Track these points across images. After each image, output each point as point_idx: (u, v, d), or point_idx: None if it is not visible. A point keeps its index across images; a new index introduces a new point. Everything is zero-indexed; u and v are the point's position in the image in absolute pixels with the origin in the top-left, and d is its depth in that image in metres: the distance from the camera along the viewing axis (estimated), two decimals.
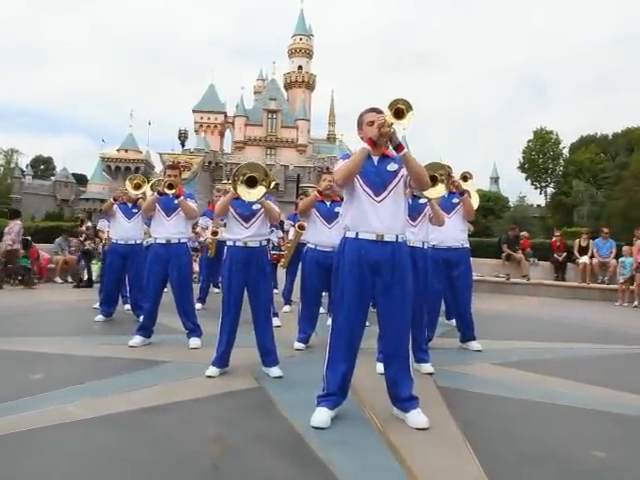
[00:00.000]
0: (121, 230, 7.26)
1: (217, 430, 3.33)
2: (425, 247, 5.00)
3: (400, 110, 3.38)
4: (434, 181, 4.68)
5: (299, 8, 72.27)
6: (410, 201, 4.78)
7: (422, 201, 4.92)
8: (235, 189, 4.46)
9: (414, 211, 4.88)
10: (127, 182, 6.78)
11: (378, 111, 3.46)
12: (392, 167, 3.51)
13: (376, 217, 3.44)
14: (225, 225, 4.86)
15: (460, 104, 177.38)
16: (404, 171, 3.48)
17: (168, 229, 5.68)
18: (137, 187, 6.69)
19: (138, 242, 7.37)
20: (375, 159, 3.53)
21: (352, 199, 3.52)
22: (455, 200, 5.69)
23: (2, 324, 6.76)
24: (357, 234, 3.46)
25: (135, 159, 69.88)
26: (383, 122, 3.31)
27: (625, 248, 11.90)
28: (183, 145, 55.57)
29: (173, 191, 5.54)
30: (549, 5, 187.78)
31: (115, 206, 7.23)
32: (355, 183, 3.47)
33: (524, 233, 14.93)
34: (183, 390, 4.11)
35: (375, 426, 3.42)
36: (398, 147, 3.39)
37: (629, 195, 40.32)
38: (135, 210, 7.20)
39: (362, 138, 3.51)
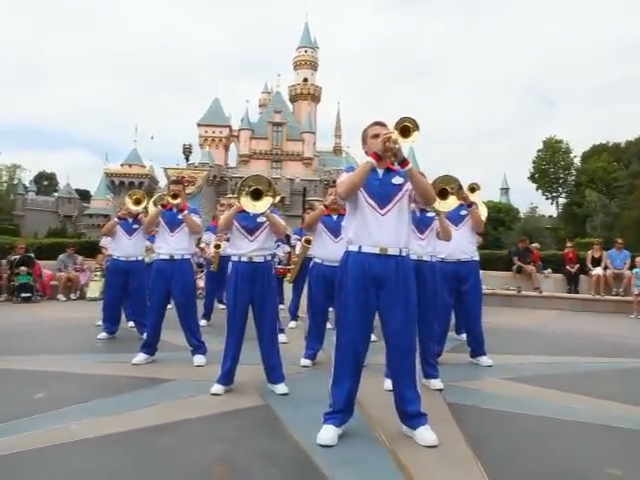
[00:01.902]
0: (122, 246, 7.21)
1: (222, 449, 3.28)
2: (433, 261, 4.95)
3: (406, 128, 3.38)
4: (445, 194, 4.65)
5: (304, 21, 72.87)
6: (418, 214, 4.76)
7: (430, 214, 4.89)
8: (240, 201, 4.44)
9: (422, 224, 4.85)
10: (127, 198, 6.75)
11: (382, 124, 3.48)
12: (397, 180, 3.49)
13: (379, 230, 3.40)
14: (228, 240, 4.83)
15: (468, 114, 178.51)
16: (409, 185, 3.47)
17: (171, 245, 5.63)
18: (137, 202, 6.66)
19: (139, 259, 7.34)
20: (380, 172, 3.50)
21: (355, 212, 3.50)
22: (463, 212, 5.63)
23: (4, 342, 6.73)
24: (360, 248, 3.43)
25: (139, 174, 70.18)
26: (389, 137, 3.30)
27: (639, 259, 11.77)
28: (187, 159, 55.78)
29: (178, 201, 5.51)
30: (555, 13, 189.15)
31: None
32: (359, 196, 3.45)
33: (534, 245, 14.81)
34: (187, 408, 4.06)
35: (383, 444, 3.37)
36: (403, 162, 3.37)
37: None
38: (136, 226, 7.17)
39: (366, 152, 3.51)
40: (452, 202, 4.77)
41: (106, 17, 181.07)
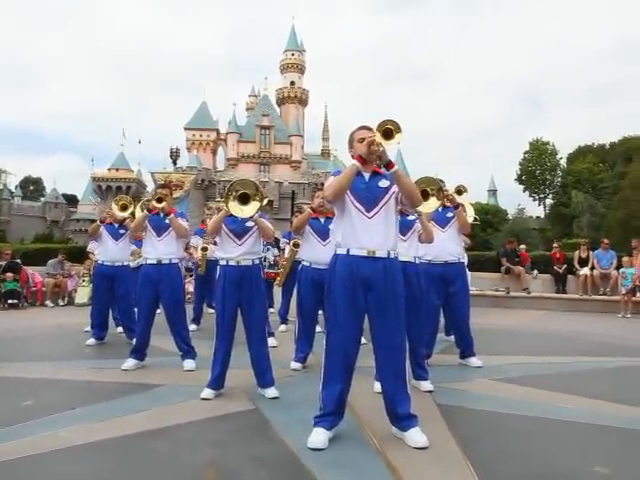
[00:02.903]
0: (108, 251, 7.17)
1: (213, 453, 3.27)
2: (417, 262, 4.97)
3: (389, 130, 3.39)
4: (426, 195, 4.69)
5: (290, 24, 72.85)
6: (399, 218, 4.78)
7: (411, 217, 4.91)
8: (227, 206, 4.45)
9: (403, 227, 4.86)
10: (113, 203, 6.73)
11: (368, 128, 3.50)
12: (383, 183, 3.52)
13: (367, 233, 3.43)
14: (215, 243, 4.83)
15: (456, 117, 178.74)
16: (395, 188, 3.49)
17: (159, 249, 5.61)
18: (123, 208, 6.63)
19: (125, 264, 7.31)
20: (366, 175, 3.53)
21: (343, 215, 3.52)
22: (449, 214, 5.67)
23: None
24: (348, 250, 3.45)
25: (126, 178, 69.76)
26: (372, 140, 3.33)
27: (625, 259, 11.85)
28: (175, 163, 55.65)
29: (163, 204, 5.49)
30: (543, 17, 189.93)
31: (102, 227, 7.17)
32: (346, 199, 3.47)
33: (522, 246, 14.89)
34: (178, 413, 4.05)
35: (373, 446, 3.37)
36: (388, 165, 3.40)
37: (628, 205, 40.29)
38: (122, 231, 7.14)
39: (352, 156, 3.54)
40: (433, 203, 4.83)
41: (93, 19, 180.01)
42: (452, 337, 6.59)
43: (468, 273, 6.61)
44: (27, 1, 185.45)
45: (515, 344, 7.66)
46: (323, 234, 5.54)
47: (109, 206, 7.14)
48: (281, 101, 71.38)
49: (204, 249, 8.41)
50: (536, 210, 64.31)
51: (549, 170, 59.39)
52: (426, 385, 4.74)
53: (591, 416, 4.03)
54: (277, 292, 8.87)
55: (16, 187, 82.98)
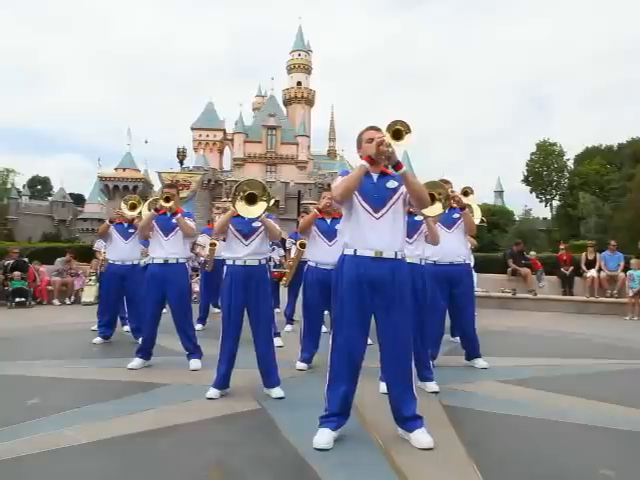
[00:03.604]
0: (118, 251, 7.21)
1: (218, 453, 3.27)
2: (422, 264, 4.95)
3: (399, 131, 3.39)
4: (432, 199, 4.68)
5: (297, 24, 72.98)
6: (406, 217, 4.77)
7: (418, 218, 4.89)
8: (234, 206, 4.45)
9: (410, 228, 4.85)
10: (122, 203, 6.75)
11: (377, 129, 3.49)
12: (392, 184, 3.51)
13: (375, 234, 3.42)
14: (224, 240, 4.84)
15: (462, 117, 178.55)
16: (403, 189, 3.48)
17: (166, 249, 5.62)
18: (132, 207, 6.65)
19: (135, 263, 7.33)
20: (375, 176, 3.52)
21: (351, 216, 3.51)
22: (456, 215, 5.64)
23: None
24: (355, 251, 3.45)
25: (133, 178, 69.88)
26: (382, 140, 3.32)
27: (633, 261, 11.73)
28: (182, 163, 55.42)
29: (170, 204, 5.50)
30: (549, 19, 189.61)
31: (111, 227, 7.20)
32: (354, 199, 3.47)
33: (532, 253, 14.78)
34: (183, 413, 4.06)
35: (379, 447, 3.37)
36: (397, 165, 3.38)
37: (636, 207, 39.97)
38: (132, 230, 7.17)
39: (361, 157, 3.52)
40: (437, 208, 4.81)
41: (100, 21, 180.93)
42: (458, 338, 6.57)
43: (474, 274, 6.59)
44: (41, 5, 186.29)
45: (521, 346, 7.63)
46: (329, 234, 5.54)
47: (118, 206, 7.17)
48: (288, 101, 71.45)
49: (213, 244, 8.44)
50: (543, 211, 64.19)
51: (556, 171, 59.13)
52: (432, 386, 4.74)
53: (597, 418, 4.01)
54: (283, 292, 8.88)
55: (24, 186, 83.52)
